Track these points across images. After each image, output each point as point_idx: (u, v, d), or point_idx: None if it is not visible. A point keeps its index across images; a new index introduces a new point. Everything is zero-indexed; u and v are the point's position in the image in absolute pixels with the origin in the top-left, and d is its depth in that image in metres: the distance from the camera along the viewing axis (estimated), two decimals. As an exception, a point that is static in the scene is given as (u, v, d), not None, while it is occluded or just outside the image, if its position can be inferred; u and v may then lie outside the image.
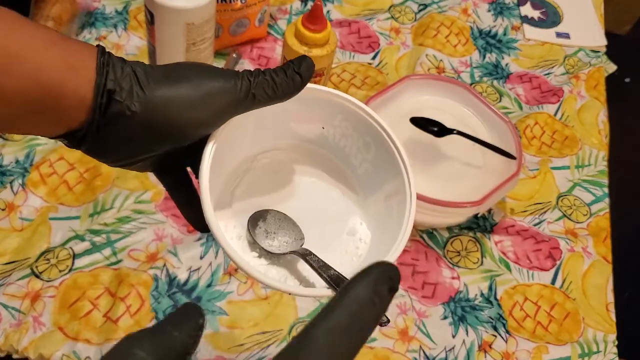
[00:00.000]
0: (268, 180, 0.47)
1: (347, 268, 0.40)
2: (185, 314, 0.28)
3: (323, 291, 0.37)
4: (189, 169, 0.43)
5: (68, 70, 0.32)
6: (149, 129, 0.34)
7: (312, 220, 0.45)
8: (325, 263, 0.39)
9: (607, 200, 0.84)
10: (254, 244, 0.43)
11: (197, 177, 0.41)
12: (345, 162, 0.48)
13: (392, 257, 0.39)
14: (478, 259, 0.75)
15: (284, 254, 0.42)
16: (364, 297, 0.25)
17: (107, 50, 0.34)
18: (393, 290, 0.26)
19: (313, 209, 0.46)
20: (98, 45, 0.34)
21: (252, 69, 0.37)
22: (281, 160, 0.48)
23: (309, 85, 0.39)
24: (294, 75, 0.37)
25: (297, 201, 0.46)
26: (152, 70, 0.35)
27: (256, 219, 0.43)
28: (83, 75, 0.33)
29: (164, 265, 0.66)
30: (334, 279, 0.37)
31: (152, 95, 0.34)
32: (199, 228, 0.44)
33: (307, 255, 0.40)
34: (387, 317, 0.34)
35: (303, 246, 0.42)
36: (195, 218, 0.43)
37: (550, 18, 1.06)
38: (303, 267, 0.43)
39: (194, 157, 0.39)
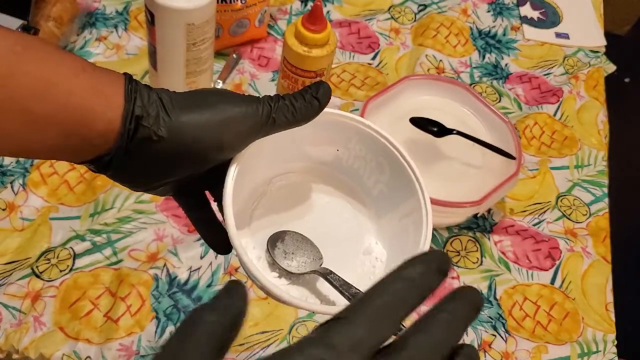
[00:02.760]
0: (284, 202, 0.48)
1: (364, 287, 0.40)
2: (230, 287, 0.30)
3: None
4: (207, 192, 0.44)
5: (97, 96, 0.33)
6: (175, 153, 0.35)
7: (329, 241, 0.46)
8: (346, 282, 0.40)
9: (606, 200, 0.84)
10: (273, 265, 0.44)
11: (215, 200, 0.43)
12: (359, 183, 0.49)
13: None
14: (478, 258, 0.75)
15: (304, 273, 0.43)
16: (413, 274, 0.26)
17: (132, 77, 0.36)
18: (441, 269, 0.26)
19: (329, 229, 0.47)
20: (125, 73, 0.36)
21: (272, 95, 0.38)
22: (296, 183, 0.49)
23: (325, 109, 0.40)
24: (312, 100, 0.39)
25: (313, 222, 0.47)
26: (176, 97, 0.36)
27: (275, 240, 0.44)
28: (111, 101, 0.34)
29: (165, 265, 0.66)
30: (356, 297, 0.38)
31: (178, 120, 0.35)
32: (218, 250, 0.45)
33: (328, 275, 0.41)
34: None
35: (322, 266, 0.43)
36: (214, 239, 0.44)
37: (550, 18, 1.06)
38: (322, 286, 0.44)
39: (213, 181, 0.40)
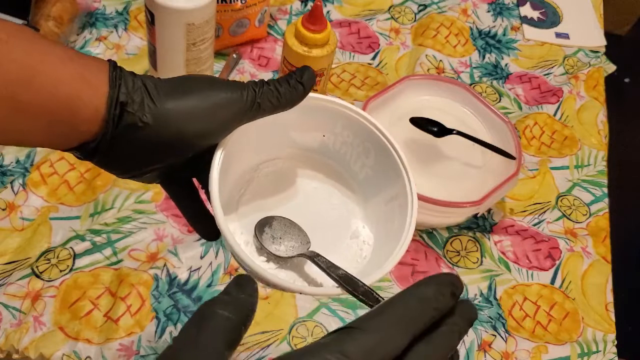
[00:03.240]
0: (272, 188, 0.48)
1: (352, 270, 0.40)
2: (241, 282, 0.31)
3: (334, 290, 0.38)
4: (195, 180, 0.44)
5: (83, 84, 0.33)
6: (160, 139, 0.35)
7: (316, 225, 0.46)
8: (333, 264, 0.40)
9: (606, 200, 0.84)
10: (261, 249, 0.44)
11: (202, 187, 0.43)
12: (346, 168, 0.49)
13: (395, 259, 0.40)
14: (477, 258, 0.75)
15: (292, 257, 0.43)
16: (428, 294, 0.27)
17: (117, 65, 0.36)
18: (455, 294, 0.28)
19: (316, 214, 0.47)
20: (109, 60, 0.36)
21: (256, 80, 0.39)
22: (284, 169, 0.49)
23: (310, 94, 0.41)
24: (296, 85, 0.39)
25: (301, 207, 0.47)
26: (161, 83, 0.36)
27: (262, 225, 0.44)
28: (97, 88, 0.34)
29: (165, 265, 0.66)
30: (343, 278, 0.38)
31: (163, 107, 0.35)
32: (206, 236, 0.45)
33: (315, 257, 0.41)
34: None
35: (310, 249, 0.43)
36: (202, 227, 0.45)
37: (550, 18, 1.06)
38: (310, 269, 0.44)
39: (199, 169, 0.40)
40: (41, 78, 0.32)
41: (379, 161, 0.46)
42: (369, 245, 0.46)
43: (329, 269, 0.40)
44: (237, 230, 0.45)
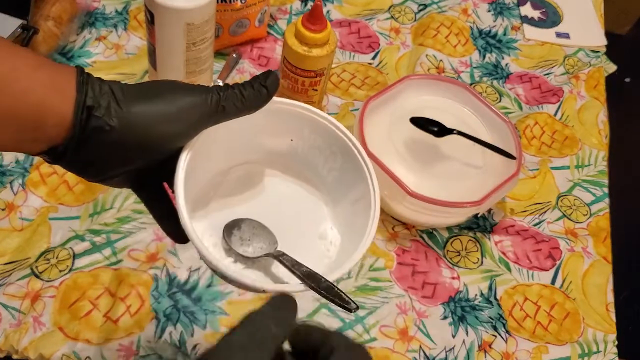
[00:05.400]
0: (241, 191, 0.49)
1: (318, 269, 0.42)
2: (282, 299, 0.33)
3: (296, 287, 0.39)
4: (165, 184, 0.45)
5: (52, 90, 0.34)
6: (126, 142, 0.36)
7: (285, 227, 0.47)
8: (297, 262, 0.42)
9: (607, 200, 0.84)
10: (229, 251, 0.45)
11: (173, 191, 0.43)
12: (314, 171, 0.50)
13: (354, 259, 0.41)
14: (478, 259, 0.75)
15: (258, 257, 0.44)
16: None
17: (84, 70, 0.37)
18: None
19: (286, 216, 0.48)
20: (77, 67, 0.37)
21: (221, 84, 0.40)
22: (253, 172, 0.50)
23: (277, 99, 0.42)
24: (260, 88, 0.40)
25: (271, 209, 0.48)
26: (128, 88, 0.37)
27: (231, 228, 0.46)
28: (65, 94, 0.35)
29: (164, 265, 0.66)
30: (306, 275, 0.40)
31: (129, 110, 0.36)
32: (177, 239, 0.46)
33: (280, 256, 0.43)
34: (355, 304, 0.39)
35: (277, 249, 0.45)
36: (172, 230, 0.45)
37: (550, 18, 1.06)
38: (277, 269, 0.45)
39: (168, 173, 0.41)
40: (12, 85, 0.33)
41: (345, 164, 0.47)
42: (335, 246, 0.48)
43: (293, 266, 0.41)
44: (206, 232, 0.46)
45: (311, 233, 0.48)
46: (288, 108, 0.45)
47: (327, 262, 0.46)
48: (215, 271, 0.40)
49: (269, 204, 0.49)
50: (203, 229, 0.46)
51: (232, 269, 0.39)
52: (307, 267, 0.41)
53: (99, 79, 0.37)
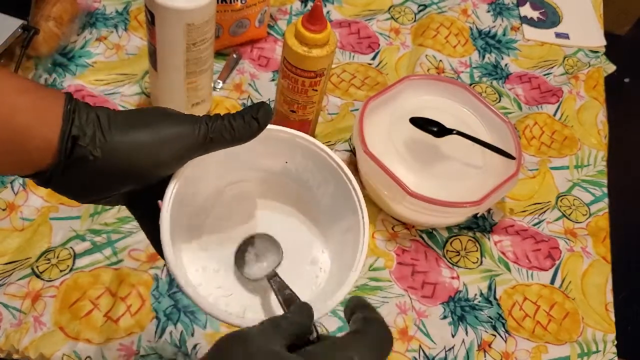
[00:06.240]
0: (235, 211, 0.49)
1: (305, 296, 0.42)
2: (302, 306, 0.37)
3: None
4: (160, 201, 0.45)
5: (38, 116, 0.34)
6: (111, 171, 0.37)
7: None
8: (285, 285, 0.42)
9: (606, 200, 0.84)
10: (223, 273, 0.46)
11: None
12: (309, 192, 0.50)
13: (339, 296, 0.41)
14: (477, 258, 0.75)
15: (257, 280, 0.45)
16: None
17: (73, 97, 0.37)
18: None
19: (279, 237, 0.48)
20: (66, 93, 0.37)
21: (211, 115, 0.39)
22: (248, 192, 0.50)
23: (270, 126, 0.42)
24: (251, 121, 0.39)
25: (264, 230, 0.48)
26: (115, 116, 0.37)
27: (246, 244, 0.46)
28: (51, 121, 0.35)
29: (165, 265, 0.66)
30: (286, 300, 0.40)
31: (113, 140, 0.36)
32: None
33: (271, 278, 0.43)
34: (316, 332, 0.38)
35: (274, 269, 0.45)
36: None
37: (550, 18, 1.06)
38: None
39: (162, 192, 0.41)
40: None
41: (338, 191, 0.46)
42: (325, 272, 0.47)
43: (279, 290, 0.42)
44: (197, 255, 0.46)
45: (302, 256, 0.48)
46: (279, 135, 0.45)
47: (314, 290, 0.46)
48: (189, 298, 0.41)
49: (263, 224, 0.49)
50: (194, 250, 0.46)
51: (203, 302, 0.39)
52: (290, 290, 0.41)
53: (87, 105, 0.37)
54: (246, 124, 0.39)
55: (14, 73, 0.36)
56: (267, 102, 0.83)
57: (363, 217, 0.44)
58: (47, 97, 0.35)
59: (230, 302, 0.44)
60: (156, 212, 0.44)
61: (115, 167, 0.36)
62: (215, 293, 0.44)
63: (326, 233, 0.49)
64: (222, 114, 0.39)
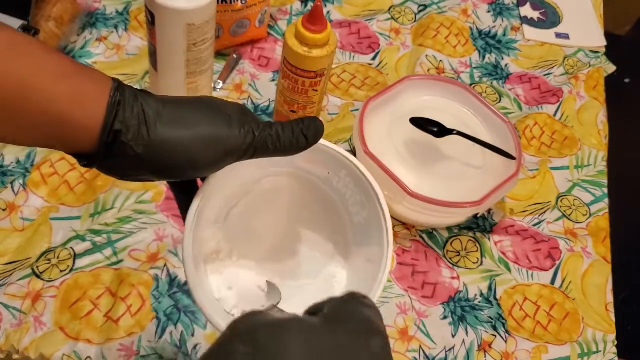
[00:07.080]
0: (265, 205, 0.49)
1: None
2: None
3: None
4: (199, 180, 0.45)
5: (77, 105, 0.34)
6: (150, 166, 0.36)
7: (299, 253, 0.47)
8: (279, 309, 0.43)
9: (606, 200, 0.84)
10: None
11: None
12: (344, 206, 0.49)
13: None
14: (477, 258, 0.75)
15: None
16: None
17: (121, 84, 0.36)
18: None
19: (301, 239, 0.48)
20: (114, 79, 0.36)
21: (261, 122, 0.38)
22: (282, 187, 0.50)
23: (321, 141, 0.40)
24: (299, 136, 0.38)
25: (288, 230, 0.48)
26: (164, 109, 0.36)
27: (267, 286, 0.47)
28: (92, 110, 0.34)
29: (165, 265, 0.66)
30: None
31: (156, 139, 0.35)
32: None
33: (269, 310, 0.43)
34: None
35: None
36: None
37: (550, 18, 1.06)
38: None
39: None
40: (34, 94, 0.32)
41: (370, 219, 0.46)
42: (341, 286, 0.47)
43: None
44: (222, 244, 0.46)
45: (319, 268, 0.48)
46: (328, 150, 0.45)
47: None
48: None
49: (290, 225, 0.48)
50: (217, 239, 0.46)
51: (208, 297, 0.40)
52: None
53: (134, 96, 0.36)
54: (294, 138, 0.38)
55: (55, 52, 0.34)
56: (268, 102, 0.83)
57: (387, 257, 0.43)
58: (90, 83, 0.35)
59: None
60: (193, 187, 0.44)
61: (154, 164, 0.36)
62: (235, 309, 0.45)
63: (350, 251, 0.49)
64: (271, 121, 0.38)
